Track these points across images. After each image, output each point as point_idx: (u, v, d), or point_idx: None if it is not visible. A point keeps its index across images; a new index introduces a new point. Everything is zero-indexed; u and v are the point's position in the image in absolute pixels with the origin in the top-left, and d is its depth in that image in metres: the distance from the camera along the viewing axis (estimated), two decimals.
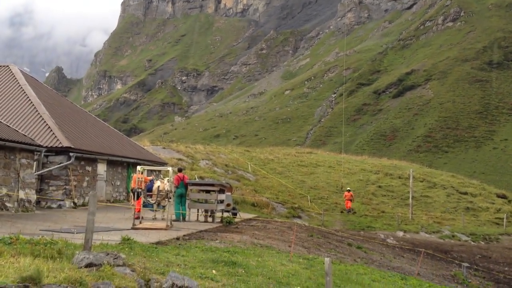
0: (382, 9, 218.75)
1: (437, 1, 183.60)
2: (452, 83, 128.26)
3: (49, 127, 21.71)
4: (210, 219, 20.03)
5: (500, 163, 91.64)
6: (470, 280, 19.76)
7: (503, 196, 48.82)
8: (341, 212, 36.65)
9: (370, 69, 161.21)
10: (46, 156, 20.94)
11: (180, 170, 20.56)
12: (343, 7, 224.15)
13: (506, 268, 24.71)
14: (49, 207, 20.65)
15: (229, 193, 22.40)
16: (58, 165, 20.94)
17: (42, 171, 20.76)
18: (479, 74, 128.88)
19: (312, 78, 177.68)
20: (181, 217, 19.33)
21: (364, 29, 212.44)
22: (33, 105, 23.25)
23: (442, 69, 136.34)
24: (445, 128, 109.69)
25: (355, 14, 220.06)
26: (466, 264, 21.54)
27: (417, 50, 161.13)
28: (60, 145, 20.73)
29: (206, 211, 20.44)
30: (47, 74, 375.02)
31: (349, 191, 37.77)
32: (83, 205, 21.82)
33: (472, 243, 32.37)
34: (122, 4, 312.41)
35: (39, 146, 19.05)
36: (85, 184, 22.94)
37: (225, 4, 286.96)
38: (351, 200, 36.97)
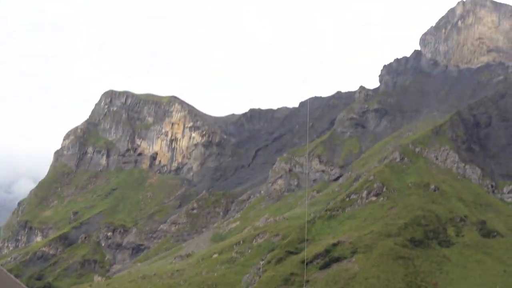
0: (311, 179, 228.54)
1: (362, 175, 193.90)
2: (376, 257, 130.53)
3: None
4: None
5: None
6: None
7: None
8: None
9: (299, 237, 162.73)
10: None
11: None
12: (274, 173, 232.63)
13: None
14: None
15: None
16: None
17: None
18: (402, 250, 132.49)
19: (241, 242, 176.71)
20: None
21: (294, 196, 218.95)
22: None
23: (367, 242, 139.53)
24: None
25: (285, 181, 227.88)
26: None
27: (343, 221, 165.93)
28: None
29: None
30: None
31: None
32: None
33: None
34: (56, 153, 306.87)
35: None
36: None
37: (160, 161, 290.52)
38: None
